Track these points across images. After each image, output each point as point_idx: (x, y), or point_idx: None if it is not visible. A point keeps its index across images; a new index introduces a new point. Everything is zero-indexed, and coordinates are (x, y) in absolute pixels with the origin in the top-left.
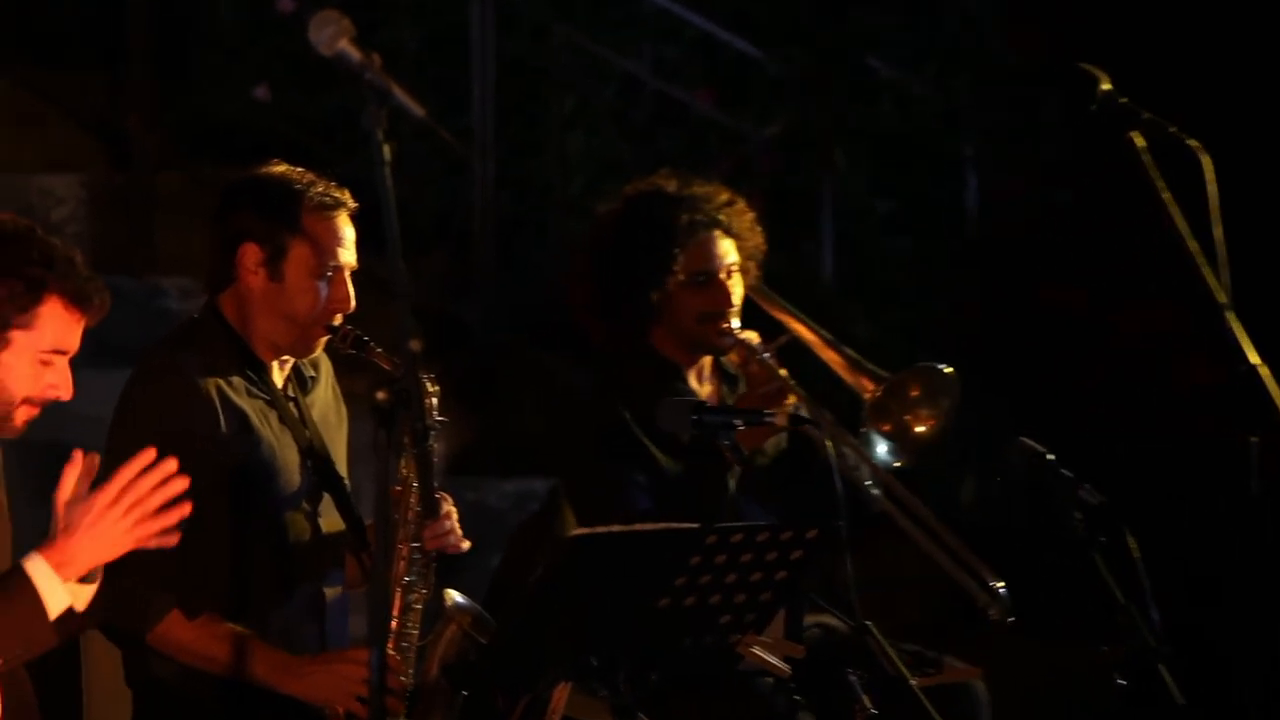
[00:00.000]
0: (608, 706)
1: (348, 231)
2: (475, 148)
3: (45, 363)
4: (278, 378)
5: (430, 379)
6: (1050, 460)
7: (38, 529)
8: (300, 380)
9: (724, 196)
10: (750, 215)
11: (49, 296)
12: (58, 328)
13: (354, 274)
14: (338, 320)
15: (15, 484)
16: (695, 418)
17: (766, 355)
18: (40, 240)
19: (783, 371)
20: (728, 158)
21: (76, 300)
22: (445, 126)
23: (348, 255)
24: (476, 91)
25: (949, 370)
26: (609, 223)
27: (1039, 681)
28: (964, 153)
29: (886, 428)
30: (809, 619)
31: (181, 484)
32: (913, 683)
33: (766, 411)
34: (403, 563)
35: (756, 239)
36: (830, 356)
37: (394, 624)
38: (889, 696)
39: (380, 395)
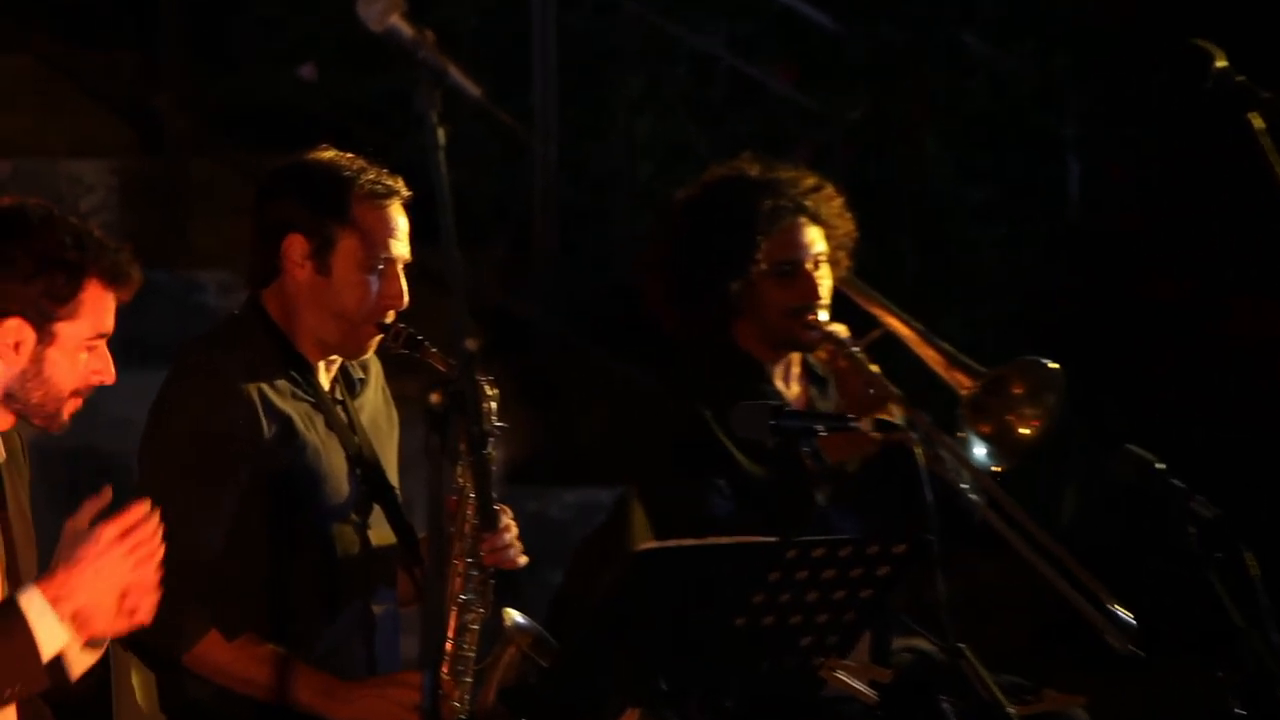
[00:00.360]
0: None
1: (401, 222)
2: (536, 131)
3: (90, 349)
4: (324, 379)
5: (489, 381)
6: (1160, 469)
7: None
8: (348, 382)
9: (811, 181)
10: (839, 201)
11: (89, 281)
12: (98, 311)
13: (406, 267)
14: (390, 318)
15: (39, 491)
16: (774, 422)
17: (856, 350)
18: (65, 221)
19: (874, 368)
20: (807, 142)
21: (115, 279)
22: (504, 108)
23: (401, 247)
24: (537, 71)
25: (1053, 365)
26: (687, 208)
27: (1149, 710)
28: (1064, 134)
29: (986, 428)
30: (898, 642)
31: None
32: (1011, 711)
33: (850, 416)
34: (459, 579)
35: (847, 226)
36: (925, 352)
37: (449, 645)
38: None
39: (433, 398)
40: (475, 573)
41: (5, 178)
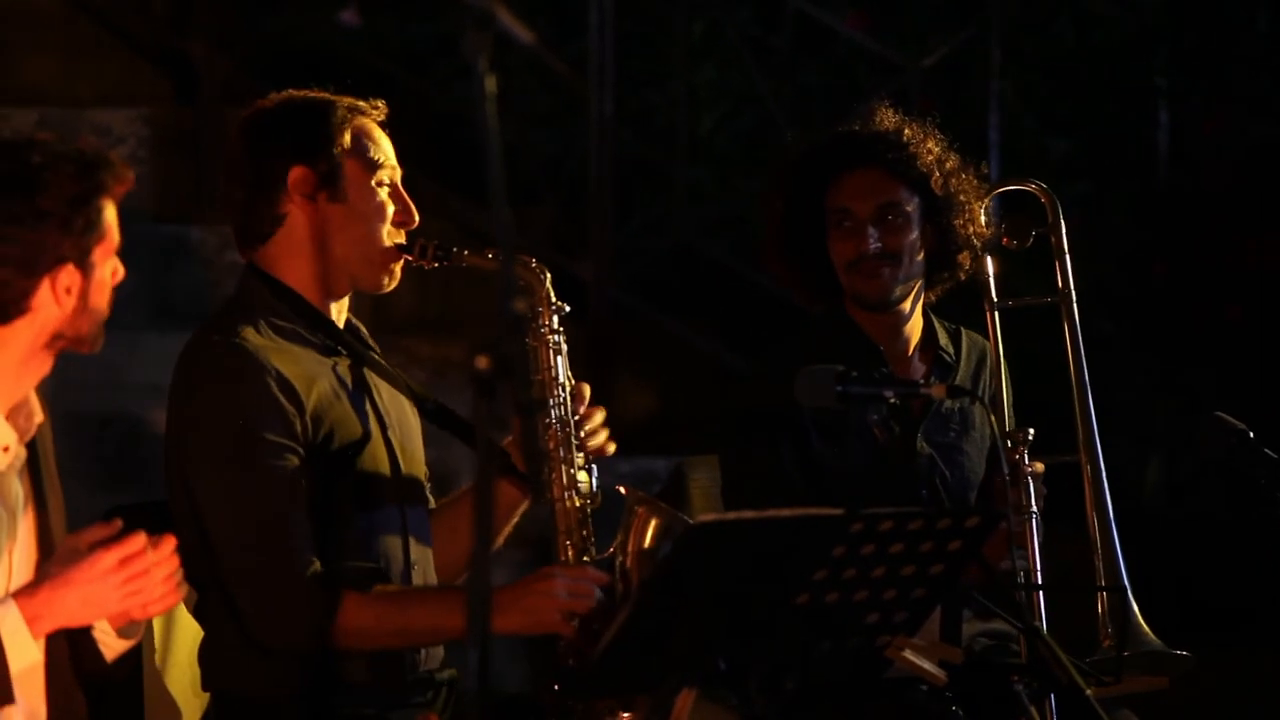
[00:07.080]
0: (737, 717)
1: (386, 139)
2: (591, 80)
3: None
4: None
5: (540, 267)
6: (1252, 439)
7: (92, 512)
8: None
9: (888, 126)
10: (932, 145)
11: (104, 202)
12: (113, 224)
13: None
14: (402, 238)
15: (66, 459)
16: (840, 388)
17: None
18: (61, 151)
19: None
20: (879, 92)
21: (119, 188)
22: (558, 55)
23: (394, 161)
24: (593, 15)
25: None
26: (778, 169)
27: (1235, 693)
28: (1155, 84)
29: None
30: (977, 627)
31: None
32: (1089, 694)
33: (922, 382)
34: (566, 469)
35: (940, 171)
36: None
37: (566, 542)
38: (1062, 709)
39: (480, 362)
40: (580, 454)
41: (30, 127)
